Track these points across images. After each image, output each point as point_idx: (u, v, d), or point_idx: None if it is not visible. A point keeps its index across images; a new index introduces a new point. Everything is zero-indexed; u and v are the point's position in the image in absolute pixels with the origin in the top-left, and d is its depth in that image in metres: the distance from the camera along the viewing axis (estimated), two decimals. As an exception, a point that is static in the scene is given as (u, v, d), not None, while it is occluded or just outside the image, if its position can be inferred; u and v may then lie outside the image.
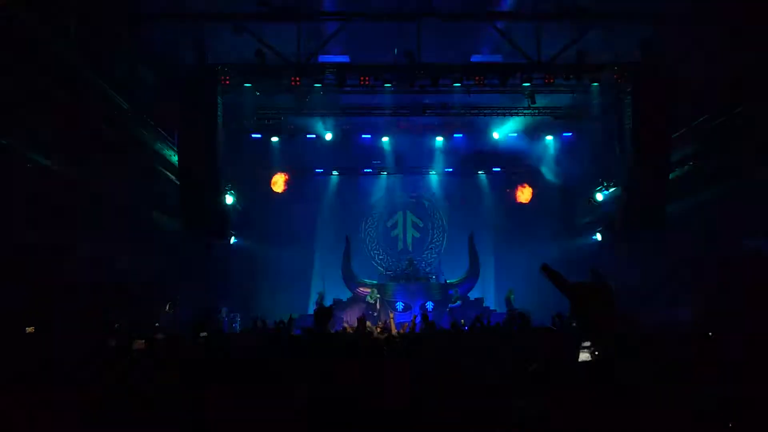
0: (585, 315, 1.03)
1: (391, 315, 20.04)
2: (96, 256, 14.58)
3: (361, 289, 21.73)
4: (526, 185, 22.19)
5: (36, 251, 11.99)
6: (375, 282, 22.14)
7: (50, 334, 9.91)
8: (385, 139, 20.76)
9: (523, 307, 16.85)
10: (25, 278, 11.05)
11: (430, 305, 21.00)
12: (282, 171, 21.42)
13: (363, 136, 20.96)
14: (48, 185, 12.32)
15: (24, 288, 10.87)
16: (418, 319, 12.31)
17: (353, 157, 22.31)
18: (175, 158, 15.05)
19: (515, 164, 22.05)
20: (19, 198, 11.57)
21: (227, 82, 15.17)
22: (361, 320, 11.45)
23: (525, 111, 18.06)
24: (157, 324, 16.40)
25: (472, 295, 22.43)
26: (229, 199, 17.29)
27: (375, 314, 19.91)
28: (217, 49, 15.72)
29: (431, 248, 23.87)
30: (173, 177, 15.35)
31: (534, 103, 16.90)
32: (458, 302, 20.55)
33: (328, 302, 20.68)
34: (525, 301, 20.27)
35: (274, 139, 20.40)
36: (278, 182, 21.50)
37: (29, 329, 10.90)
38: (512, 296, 20.35)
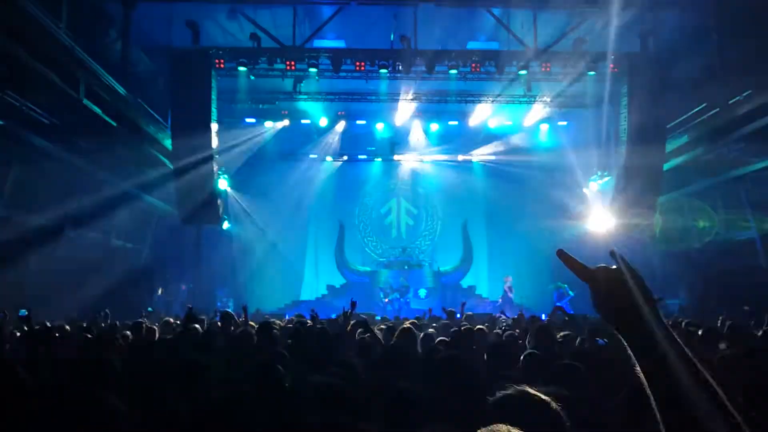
0: (610, 305, 0.97)
1: (387, 300, 20.10)
2: (86, 238, 14.55)
3: (361, 277, 21.86)
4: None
5: (27, 233, 11.94)
6: (368, 269, 22.17)
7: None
8: (379, 125, 20.67)
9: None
10: (14, 257, 11.01)
11: (423, 292, 21.07)
12: None
13: (357, 122, 20.88)
14: (42, 167, 12.26)
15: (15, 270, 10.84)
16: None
17: (347, 143, 22.24)
18: (168, 142, 14.95)
19: (510, 152, 22.01)
20: (11, 178, 11.51)
21: (221, 66, 15.06)
22: (353, 305, 11.25)
23: (521, 99, 18.01)
24: (150, 309, 16.41)
25: (465, 283, 22.51)
26: (223, 184, 17.23)
27: (382, 304, 19.88)
28: (211, 33, 15.61)
29: (425, 235, 23.87)
30: (167, 161, 15.27)
31: (530, 90, 16.87)
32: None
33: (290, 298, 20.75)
34: (516, 291, 20.38)
35: (269, 124, 20.32)
36: None
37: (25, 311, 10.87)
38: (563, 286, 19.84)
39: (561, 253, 1.30)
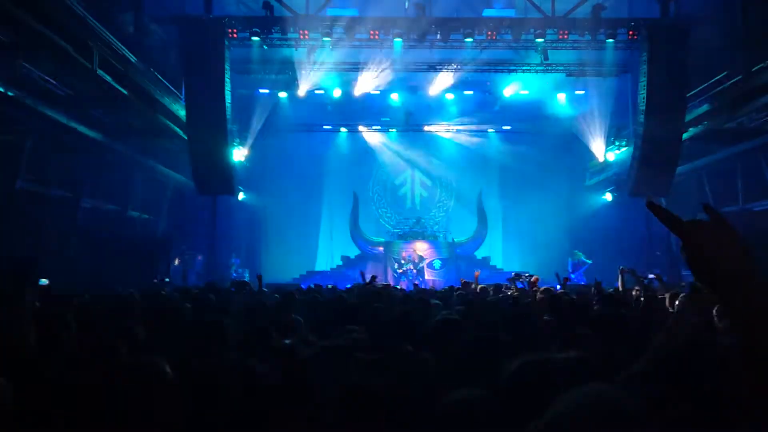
0: (711, 261, 0.89)
1: (401, 271, 20.15)
2: (102, 210, 14.68)
3: (375, 248, 21.86)
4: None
5: (41, 203, 12.04)
6: (382, 240, 22.19)
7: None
8: (394, 95, 20.44)
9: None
10: (31, 229, 11.13)
11: (437, 263, 21.07)
12: None
13: (372, 92, 20.63)
14: (56, 138, 12.32)
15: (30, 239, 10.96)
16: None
17: (362, 114, 22.05)
18: (182, 113, 14.93)
19: (525, 122, 21.75)
20: (27, 150, 11.58)
21: (234, 35, 14.93)
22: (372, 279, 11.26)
23: (537, 68, 17.69)
24: (167, 279, 16.58)
25: (480, 254, 22.47)
26: (238, 155, 17.23)
27: (395, 276, 19.92)
28: (224, 1, 15.46)
29: (439, 206, 23.81)
30: (181, 132, 15.26)
31: (547, 59, 16.55)
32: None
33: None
34: (530, 262, 20.33)
35: (282, 94, 20.17)
36: None
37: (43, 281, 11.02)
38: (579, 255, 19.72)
39: (651, 205, 1.22)
